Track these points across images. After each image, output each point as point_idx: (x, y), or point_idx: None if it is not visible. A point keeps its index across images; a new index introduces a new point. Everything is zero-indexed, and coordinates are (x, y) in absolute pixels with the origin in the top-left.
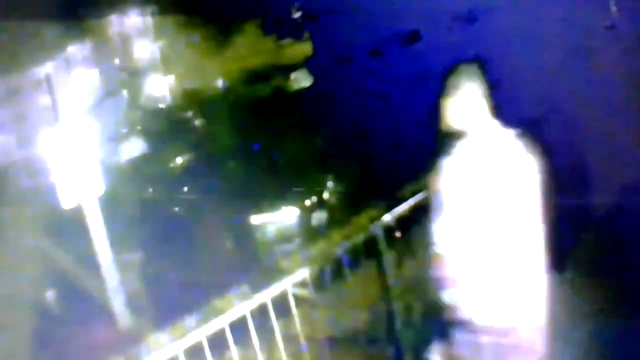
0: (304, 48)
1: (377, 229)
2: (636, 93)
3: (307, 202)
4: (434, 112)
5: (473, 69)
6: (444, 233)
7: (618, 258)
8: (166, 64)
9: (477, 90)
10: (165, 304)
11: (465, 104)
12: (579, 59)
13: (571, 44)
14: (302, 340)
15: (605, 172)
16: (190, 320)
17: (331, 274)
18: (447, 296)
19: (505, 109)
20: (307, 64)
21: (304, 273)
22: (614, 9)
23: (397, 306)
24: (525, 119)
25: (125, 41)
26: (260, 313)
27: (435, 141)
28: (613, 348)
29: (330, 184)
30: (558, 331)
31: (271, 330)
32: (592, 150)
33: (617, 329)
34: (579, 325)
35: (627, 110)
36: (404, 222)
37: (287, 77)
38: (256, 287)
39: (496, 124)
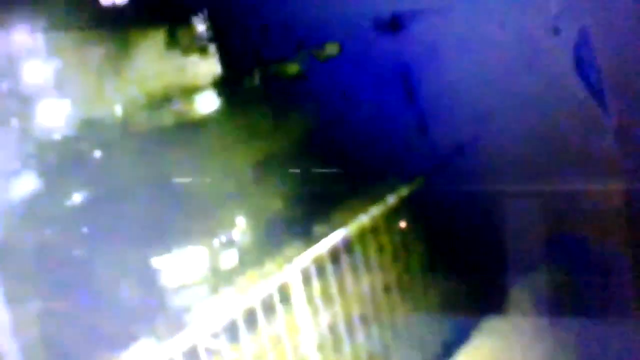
0: (210, 66)
1: (291, 274)
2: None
3: (216, 242)
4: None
5: None
6: None
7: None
8: (61, 88)
9: None
10: (65, 358)
11: None
12: (522, 66)
13: (512, 50)
14: None
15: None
16: None
17: (245, 324)
18: None
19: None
20: (216, 85)
21: (214, 323)
22: (557, 11)
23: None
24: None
25: (12, 62)
26: None
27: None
28: None
29: (241, 221)
30: None
31: None
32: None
33: None
34: None
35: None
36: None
37: (191, 102)
38: (162, 339)
39: None
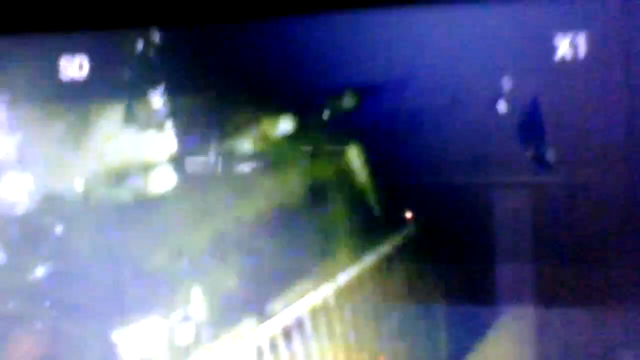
0: (167, 140)
1: (244, 350)
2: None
3: (173, 317)
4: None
5: None
6: None
7: None
8: (23, 161)
9: None
10: None
11: None
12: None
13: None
14: None
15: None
16: None
17: None
18: None
19: None
20: (173, 160)
21: None
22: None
23: None
24: None
25: None
26: None
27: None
28: None
29: (197, 296)
30: None
31: None
32: None
33: None
34: None
35: None
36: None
37: (148, 177)
38: None
39: None
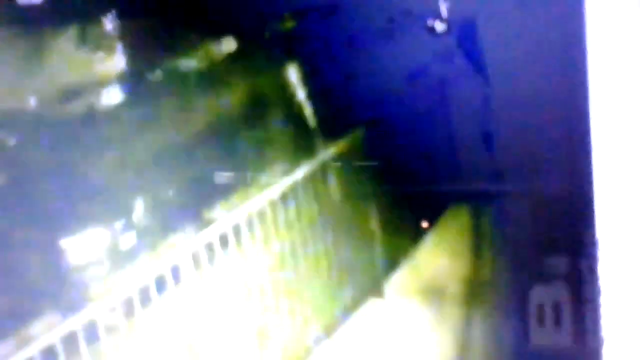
0: (116, 62)
1: (181, 256)
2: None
3: (117, 224)
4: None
5: None
6: None
7: None
8: None
9: None
10: None
11: None
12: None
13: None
14: None
15: None
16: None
17: (140, 301)
18: None
19: None
20: (122, 79)
21: (113, 299)
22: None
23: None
24: None
25: None
26: (70, 342)
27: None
28: None
29: (139, 206)
30: None
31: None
32: None
33: None
34: None
35: None
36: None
37: (99, 95)
38: (66, 314)
39: None
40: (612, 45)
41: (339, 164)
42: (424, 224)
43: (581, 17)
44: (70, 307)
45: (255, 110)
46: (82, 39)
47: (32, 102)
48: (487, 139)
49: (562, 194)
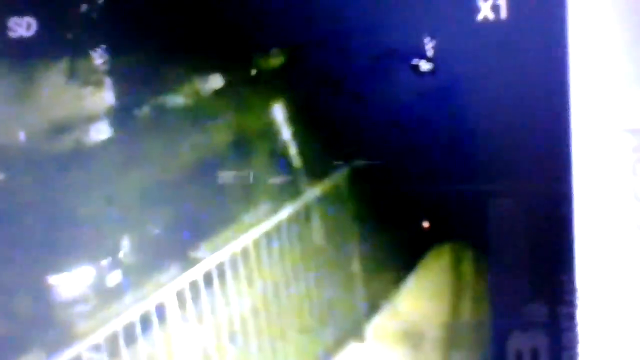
0: (106, 97)
1: (167, 295)
2: None
3: (103, 262)
4: None
5: None
6: None
7: None
8: None
9: None
10: None
11: None
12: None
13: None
14: None
15: None
16: None
17: (125, 338)
18: None
19: None
20: (110, 114)
21: (98, 336)
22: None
23: None
24: None
25: None
26: None
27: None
28: None
29: (125, 244)
30: None
31: None
32: None
33: None
34: None
35: None
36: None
37: (87, 130)
38: (51, 351)
39: None
40: (593, 47)
41: (323, 204)
42: (425, 224)
43: (563, 21)
44: (55, 345)
45: (241, 150)
46: (72, 73)
47: (20, 136)
48: (472, 180)
49: (541, 239)
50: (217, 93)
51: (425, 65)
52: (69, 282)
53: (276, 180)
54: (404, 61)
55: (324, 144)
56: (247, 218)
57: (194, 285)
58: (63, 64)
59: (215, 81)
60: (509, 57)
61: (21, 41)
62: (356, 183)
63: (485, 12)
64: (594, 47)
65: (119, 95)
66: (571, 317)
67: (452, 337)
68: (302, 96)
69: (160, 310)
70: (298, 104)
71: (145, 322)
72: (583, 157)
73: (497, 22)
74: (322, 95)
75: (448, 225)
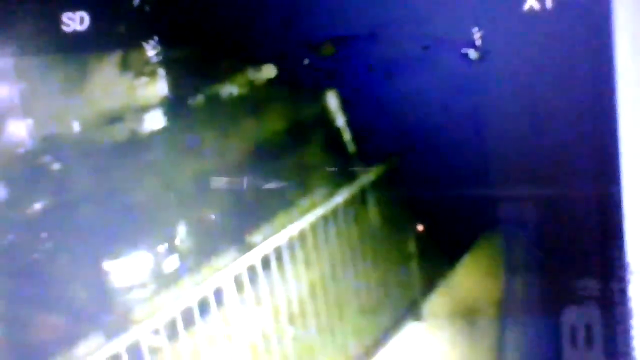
0: (158, 88)
1: (224, 279)
2: None
3: (160, 248)
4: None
5: None
6: None
7: None
8: (26, 107)
9: None
10: (15, 354)
11: None
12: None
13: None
14: None
15: None
16: None
17: (184, 322)
18: None
19: None
20: (164, 104)
21: (156, 321)
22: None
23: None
24: None
25: None
26: None
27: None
28: None
29: (182, 230)
30: None
31: None
32: None
33: None
34: None
35: None
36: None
37: (141, 120)
38: (110, 336)
39: None
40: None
41: (377, 188)
42: (420, 228)
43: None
44: (114, 329)
45: (296, 136)
46: (125, 65)
47: (76, 127)
48: (522, 167)
49: (592, 217)
50: (271, 82)
51: (474, 54)
52: (128, 268)
53: (332, 165)
54: (453, 51)
55: (375, 131)
56: (304, 202)
57: (251, 270)
58: (116, 57)
59: (269, 71)
60: (555, 47)
61: (75, 35)
62: (410, 168)
63: (531, 1)
64: None
65: (172, 86)
66: (623, 292)
67: (506, 315)
68: (354, 85)
69: (218, 295)
70: (350, 92)
71: (203, 306)
72: (631, 137)
73: (543, 11)
74: (373, 84)
75: (501, 209)
